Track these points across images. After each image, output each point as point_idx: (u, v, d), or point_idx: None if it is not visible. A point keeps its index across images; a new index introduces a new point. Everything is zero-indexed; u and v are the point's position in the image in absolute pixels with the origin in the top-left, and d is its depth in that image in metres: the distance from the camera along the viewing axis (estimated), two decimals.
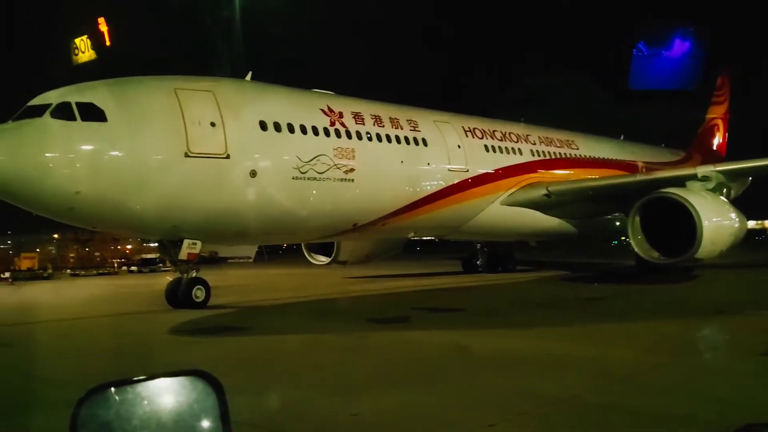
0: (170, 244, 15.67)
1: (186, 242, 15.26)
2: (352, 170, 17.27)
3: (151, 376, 1.99)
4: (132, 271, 41.35)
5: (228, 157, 14.86)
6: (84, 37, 26.25)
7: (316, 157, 16.49)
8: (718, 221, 18.82)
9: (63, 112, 13.61)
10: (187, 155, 14.30)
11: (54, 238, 49.76)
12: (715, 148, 38.24)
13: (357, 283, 23.84)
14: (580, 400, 6.66)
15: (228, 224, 15.63)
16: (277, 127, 16.00)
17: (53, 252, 49.28)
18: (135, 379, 1.97)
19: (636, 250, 19.42)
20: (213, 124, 14.79)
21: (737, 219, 19.56)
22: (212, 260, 39.83)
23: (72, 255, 48.83)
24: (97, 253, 48.73)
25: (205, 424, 1.99)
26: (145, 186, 14.13)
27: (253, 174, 15.26)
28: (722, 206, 19.77)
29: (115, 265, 44.44)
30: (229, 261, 39.16)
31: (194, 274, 15.87)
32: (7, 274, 35.53)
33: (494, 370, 8.42)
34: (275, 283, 25.88)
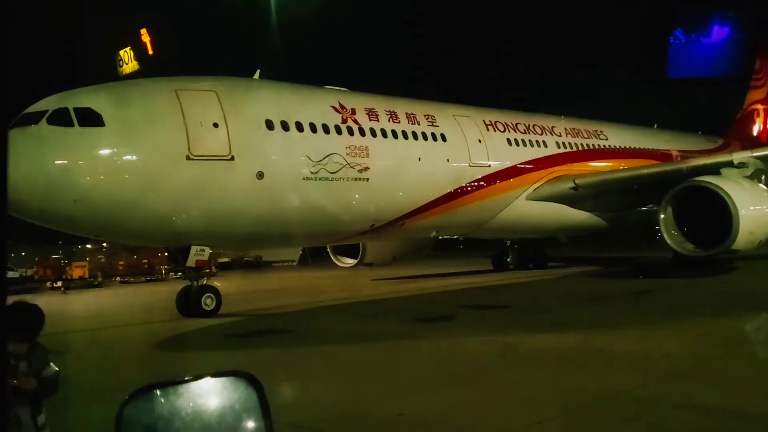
0: (177, 251, 14.88)
1: (193, 249, 14.44)
2: (366, 169, 16.24)
3: (194, 378, 1.99)
4: (179, 277, 41.12)
5: (232, 158, 13.97)
6: (128, 49, 26.44)
7: (327, 156, 15.51)
8: (756, 210, 17.36)
9: (60, 118, 12.91)
10: (188, 158, 13.47)
11: (103, 246, 50.01)
12: (755, 134, 36.02)
13: (387, 284, 22.73)
14: (629, 396, 6.63)
15: (236, 229, 14.77)
16: (285, 126, 15.06)
17: (103, 260, 49.54)
18: (178, 380, 1.98)
19: (669, 242, 18.01)
20: (216, 125, 13.92)
21: None
22: (257, 264, 39.87)
23: (121, 263, 48.97)
24: (144, 261, 48.75)
25: (248, 424, 1.99)
26: (145, 191, 13.33)
27: (260, 176, 14.34)
28: (761, 194, 18.26)
29: (163, 271, 44.33)
30: (274, 264, 39.19)
31: (205, 282, 15.04)
32: (59, 283, 35.50)
33: (540, 366, 8.42)
34: (299, 287, 24.90)
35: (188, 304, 14.85)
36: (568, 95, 41.71)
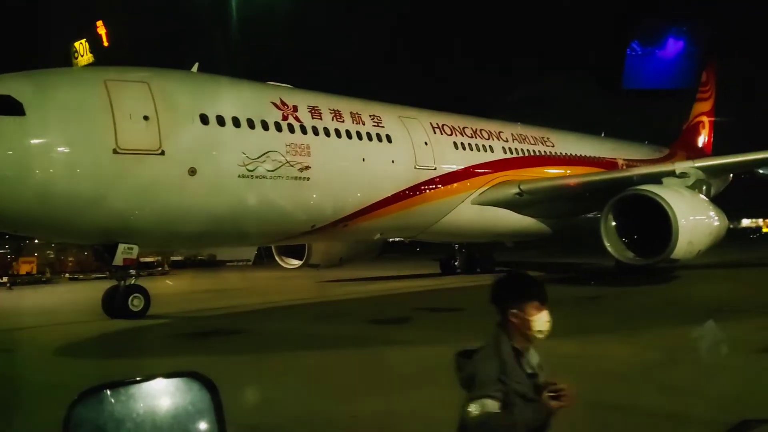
0: (104, 249, 14.00)
1: (121, 247, 13.57)
2: (307, 168, 15.57)
3: (146, 378, 1.92)
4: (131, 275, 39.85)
5: (162, 153, 13.19)
6: (83, 41, 25.89)
7: (265, 153, 14.81)
8: (695, 219, 17.19)
9: None
10: (115, 152, 12.66)
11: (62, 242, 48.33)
12: (700, 146, 36.33)
13: (336, 286, 21.98)
14: (578, 400, 5.67)
15: (166, 227, 13.96)
16: (221, 121, 14.32)
17: (52, 256, 47.91)
18: (129, 380, 1.90)
19: (609, 250, 17.77)
20: (146, 118, 13.13)
21: (716, 217, 17.93)
22: (211, 263, 38.94)
23: (71, 259, 47.43)
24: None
25: (201, 426, 1.92)
26: (68, 186, 12.45)
27: (192, 172, 13.58)
28: (700, 204, 18.14)
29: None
30: (228, 264, 38.34)
31: (132, 282, 14.19)
32: (4, 279, 33.99)
33: None
34: (244, 287, 24.10)
35: (114, 304, 13.97)
36: (521, 101, 41.55)
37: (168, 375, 1.97)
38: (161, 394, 1.93)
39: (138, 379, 1.92)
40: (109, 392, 1.87)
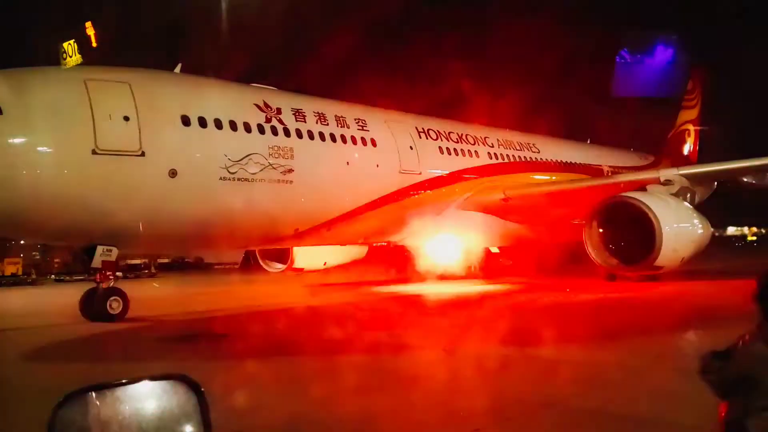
0: (83, 251, 13.77)
1: (99, 249, 13.33)
2: (290, 171, 15.39)
3: (132, 380, 1.90)
4: (117, 277, 39.31)
5: (143, 154, 12.98)
6: (72, 41, 26.00)
7: (247, 156, 14.63)
8: (679, 227, 17.15)
9: None
10: (95, 152, 12.44)
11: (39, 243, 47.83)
12: (686, 153, 36.43)
13: (325, 291, 21.67)
14: (565, 405, 6.49)
15: (146, 230, 13.72)
16: (203, 123, 14.12)
17: (38, 257, 47.42)
18: (115, 382, 1.89)
19: (594, 257, 17.69)
20: (126, 119, 12.92)
21: (700, 225, 17.88)
22: (198, 266, 38.60)
23: (57, 260, 46.95)
24: None
25: (187, 428, 1.91)
26: (46, 186, 12.21)
27: (173, 174, 13.38)
28: (684, 211, 18.10)
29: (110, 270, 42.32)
30: (216, 267, 38.02)
31: (111, 284, 13.94)
32: None
33: (483, 371, 8.25)
34: (221, 291, 23.76)
35: (92, 307, 13.71)
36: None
37: (154, 378, 1.95)
38: (147, 397, 1.91)
39: (124, 381, 1.89)
40: (94, 394, 1.85)
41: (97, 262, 13.42)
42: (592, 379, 7.84)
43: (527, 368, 8.56)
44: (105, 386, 1.88)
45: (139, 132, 12.97)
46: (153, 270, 33.73)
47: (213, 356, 10.00)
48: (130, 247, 14.64)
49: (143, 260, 37.03)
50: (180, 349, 10.75)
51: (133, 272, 38.91)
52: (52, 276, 39.29)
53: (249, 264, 28.80)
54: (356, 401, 6.91)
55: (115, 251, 13.57)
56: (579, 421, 6.06)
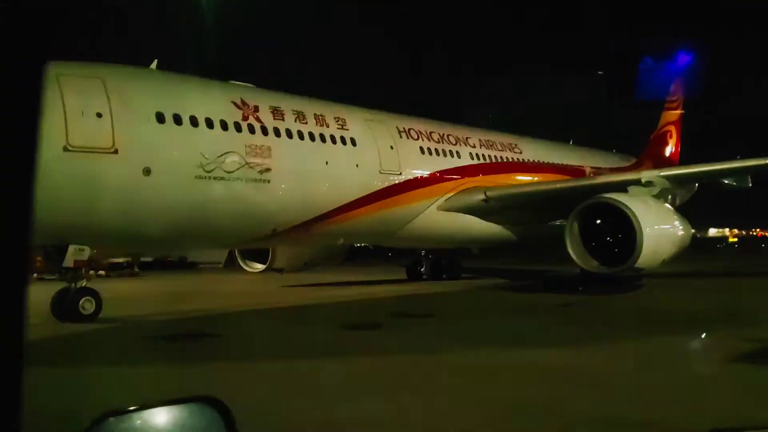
0: (54, 250, 13.46)
1: (71, 248, 13.06)
2: (267, 170, 15.13)
3: (155, 404, 1.83)
4: (100, 276, 38.77)
5: (116, 152, 12.67)
6: None
7: (224, 154, 14.35)
8: (660, 228, 17.10)
9: None
10: (66, 149, 12.12)
11: None
12: (668, 155, 36.53)
13: (304, 291, 21.44)
14: (559, 408, 6.55)
15: (119, 229, 13.46)
16: (178, 120, 13.83)
17: None
18: (136, 407, 1.80)
19: (574, 258, 17.58)
20: (99, 115, 12.61)
21: (681, 227, 17.85)
22: (182, 265, 38.15)
23: (38, 258, 46.19)
24: None
25: None
26: None
27: (147, 172, 13.09)
28: (665, 213, 18.06)
29: (83, 270, 41.64)
30: (200, 266, 37.56)
31: (84, 284, 13.65)
32: None
33: (467, 375, 8.22)
34: (202, 290, 23.45)
35: (63, 307, 13.41)
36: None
37: (178, 401, 1.89)
38: (171, 422, 1.85)
39: (146, 405, 1.83)
40: (113, 420, 1.77)
41: (69, 261, 13.14)
42: None
43: None
44: (125, 411, 1.80)
45: (113, 129, 12.68)
46: (135, 269, 33.32)
47: (189, 358, 9.82)
48: (104, 246, 14.31)
49: (126, 259, 36.59)
50: (159, 350, 10.54)
51: (116, 271, 38.52)
52: (35, 275, 38.70)
53: (234, 263, 28.58)
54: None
55: (87, 250, 13.28)
56: None
